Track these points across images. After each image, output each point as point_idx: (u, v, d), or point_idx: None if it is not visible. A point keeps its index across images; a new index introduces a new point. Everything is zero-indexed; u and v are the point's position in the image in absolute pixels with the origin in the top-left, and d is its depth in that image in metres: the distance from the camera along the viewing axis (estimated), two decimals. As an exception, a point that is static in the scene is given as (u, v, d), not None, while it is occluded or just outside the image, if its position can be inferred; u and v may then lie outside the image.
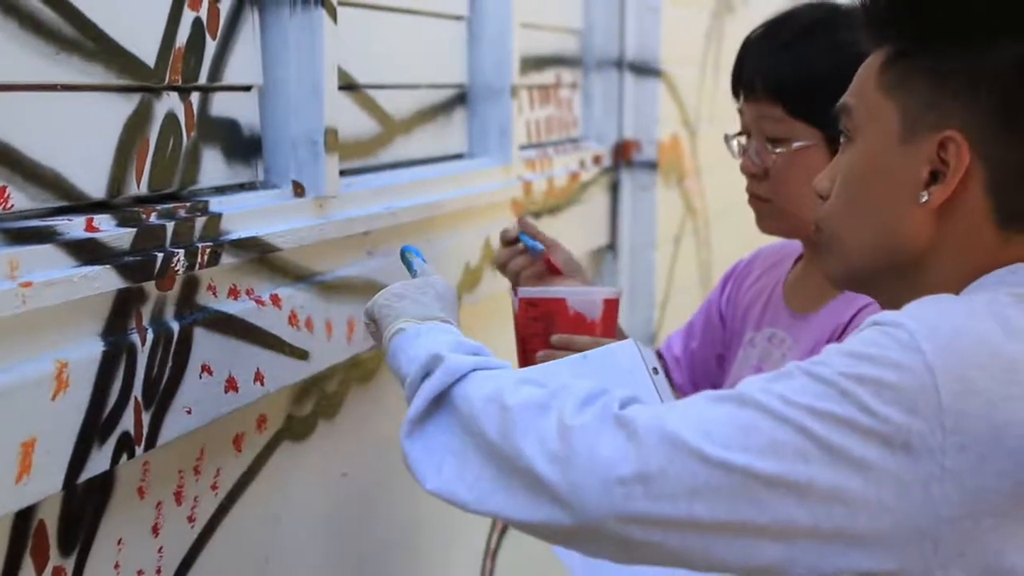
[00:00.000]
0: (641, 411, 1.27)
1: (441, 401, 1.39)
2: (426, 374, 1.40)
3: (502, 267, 2.04)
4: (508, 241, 2.04)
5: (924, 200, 1.32)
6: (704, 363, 2.10)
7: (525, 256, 2.00)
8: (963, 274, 1.33)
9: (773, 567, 1.23)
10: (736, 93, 1.93)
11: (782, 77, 1.84)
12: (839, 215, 1.39)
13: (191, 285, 1.60)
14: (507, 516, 1.32)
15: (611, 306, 1.89)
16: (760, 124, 1.88)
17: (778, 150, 1.86)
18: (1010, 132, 1.30)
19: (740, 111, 1.93)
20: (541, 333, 1.87)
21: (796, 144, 1.84)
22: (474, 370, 1.39)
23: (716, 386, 2.02)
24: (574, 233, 3.15)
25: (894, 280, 1.36)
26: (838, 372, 1.21)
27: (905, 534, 1.19)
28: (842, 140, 1.41)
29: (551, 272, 1.99)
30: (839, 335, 1.82)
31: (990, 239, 1.33)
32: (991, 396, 1.19)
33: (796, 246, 2.03)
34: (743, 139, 1.92)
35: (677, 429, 1.24)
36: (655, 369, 1.64)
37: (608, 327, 1.88)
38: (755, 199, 1.92)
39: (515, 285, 2.00)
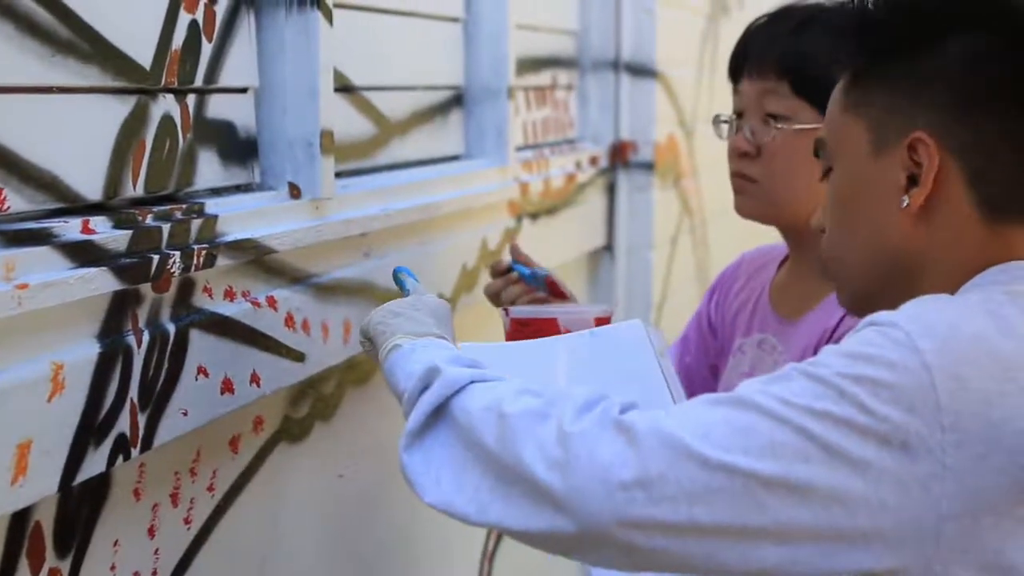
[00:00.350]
0: (640, 416, 1.27)
1: (439, 414, 1.39)
2: (424, 387, 1.40)
3: (494, 297, 2.04)
4: (499, 271, 2.04)
5: (906, 204, 1.34)
6: (700, 375, 2.10)
7: (519, 285, 2.01)
8: (957, 274, 1.34)
9: (775, 569, 1.23)
10: (737, 73, 1.93)
11: (794, 55, 1.85)
12: (834, 240, 1.42)
13: (187, 287, 1.60)
14: (508, 526, 1.32)
15: (603, 324, 1.89)
16: (762, 100, 1.88)
17: (779, 125, 1.86)
18: (973, 119, 1.32)
19: (736, 91, 1.93)
20: None
21: (798, 126, 1.85)
22: (472, 382, 1.39)
23: None
24: (571, 234, 3.16)
25: (896, 291, 1.36)
26: (836, 372, 1.22)
27: (906, 533, 1.20)
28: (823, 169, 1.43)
29: (552, 296, 1.99)
30: (828, 338, 1.82)
31: (978, 234, 1.34)
32: (988, 394, 1.20)
33: (780, 250, 2.03)
34: (735, 120, 1.92)
35: (677, 432, 1.24)
36: (661, 351, 1.64)
37: None
38: (740, 178, 1.92)
39: (498, 300, 2.02)
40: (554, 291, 1.99)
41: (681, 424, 1.24)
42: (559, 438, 1.28)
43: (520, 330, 1.87)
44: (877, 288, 1.39)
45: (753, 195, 1.91)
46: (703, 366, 2.10)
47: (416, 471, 1.37)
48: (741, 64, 1.93)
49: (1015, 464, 1.19)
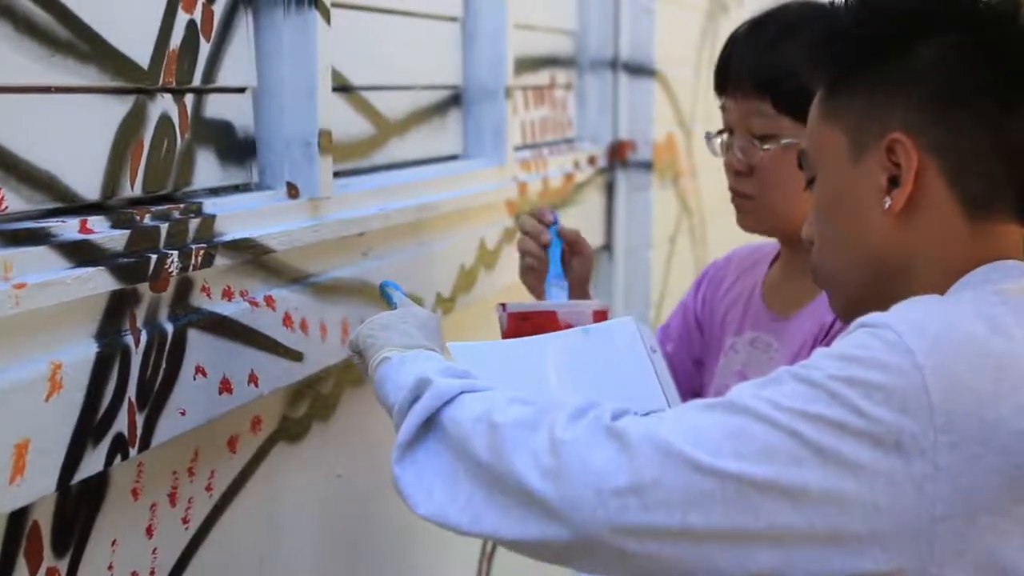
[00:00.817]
0: (633, 422, 1.27)
1: (430, 425, 1.39)
2: (414, 399, 1.40)
3: (520, 230, 2.04)
4: (543, 221, 2.03)
5: (888, 205, 1.34)
6: (682, 366, 2.09)
7: (539, 248, 2.02)
8: (945, 274, 1.34)
9: (770, 573, 1.23)
10: (721, 89, 1.93)
11: (772, 72, 1.84)
12: (823, 249, 1.43)
13: (185, 286, 1.60)
14: (502, 536, 1.32)
15: (600, 318, 1.90)
16: (746, 121, 1.88)
17: (766, 147, 1.86)
18: (948, 118, 1.33)
19: (723, 108, 1.92)
20: None
21: (785, 141, 1.84)
22: (462, 392, 1.39)
23: (694, 389, 2.02)
24: (569, 234, 3.15)
25: (886, 294, 1.36)
26: (827, 375, 1.22)
27: (900, 534, 1.20)
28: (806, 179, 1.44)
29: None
30: (824, 335, 1.82)
31: (963, 232, 1.35)
32: (980, 394, 1.20)
33: (771, 247, 2.03)
34: (726, 136, 1.92)
35: (669, 438, 1.24)
36: (653, 348, 1.64)
37: None
38: (738, 196, 1.92)
39: (521, 258, 2.02)
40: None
41: (674, 430, 1.25)
42: (551, 446, 1.28)
43: (519, 325, 1.87)
44: (868, 293, 1.39)
45: (752, 212, 1.91)
46: (685, 359, 2.10)
47: (408, 483, 1.37)
48: (724, 81, 1.92)
49: (1010, 464, 1.19)
